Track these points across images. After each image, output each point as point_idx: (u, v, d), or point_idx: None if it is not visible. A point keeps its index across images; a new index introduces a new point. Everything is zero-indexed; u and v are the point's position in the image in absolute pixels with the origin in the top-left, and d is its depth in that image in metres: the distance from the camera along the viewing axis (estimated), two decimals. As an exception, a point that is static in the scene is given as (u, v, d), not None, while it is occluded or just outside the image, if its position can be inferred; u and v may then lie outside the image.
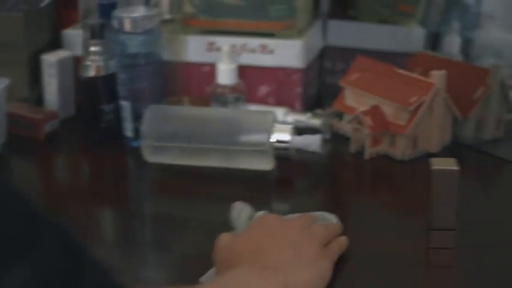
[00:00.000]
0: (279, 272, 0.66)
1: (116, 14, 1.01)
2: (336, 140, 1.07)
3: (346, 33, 1.23)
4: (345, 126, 1.05)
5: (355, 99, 1.06)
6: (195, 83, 1.13)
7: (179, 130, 0.96)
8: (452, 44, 1.26)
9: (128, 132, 1.03)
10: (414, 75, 1.02)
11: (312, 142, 0.94)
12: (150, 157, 0.97)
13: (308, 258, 0.69)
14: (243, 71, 1.10)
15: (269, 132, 0.93)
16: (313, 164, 0.99)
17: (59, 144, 1.08)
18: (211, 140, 0.94)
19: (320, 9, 1.25)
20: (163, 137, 0.96)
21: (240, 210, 0.79)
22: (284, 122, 1.05)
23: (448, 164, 0.78)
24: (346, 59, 1.14)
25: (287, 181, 0.97)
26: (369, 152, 1.00)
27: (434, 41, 1.31)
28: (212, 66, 1.07)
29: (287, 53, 1.10)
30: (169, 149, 0.96)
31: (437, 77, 0.98)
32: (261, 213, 0.79)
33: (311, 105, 1.17)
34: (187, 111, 1.04)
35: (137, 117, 1.00)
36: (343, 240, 0.76)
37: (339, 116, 1.09)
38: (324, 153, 0.97)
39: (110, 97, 1.05)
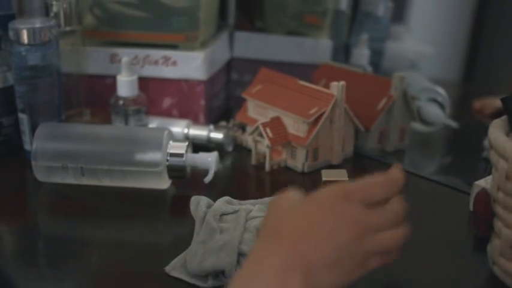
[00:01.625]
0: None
1: (12, 25, 0.98)
2: (240, 153, 1.06)
3: (254, 44, 1.23)
4: (248, 139, 1.05)
5: (257, 111, 1.05)
6: (98, 96, 1.10)
7: (72, 150, 0.92)
8: (361, 55, 1.27)
9: (27, 145, 1.01)
10: (315, 86, 1.01)
11: (208, 160, 0.92)
12: (42, 177, 0.94)
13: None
14: (146, 82, 1.09)
15: (164, 151, 0.90)
16: (215, 176, 0.97)
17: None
18: (105, 161, 0.91)
19: (227, 20, 1.25)
20: (55, 158, 0.92)
21: (197, 202, 0.81)
22: (185, 135, 1.04)
23: (339, 176, 0.77)
24: (253, 71, 1.13)
25: (186, 197, 0.95)
26: (270, 164, 0.99)
27: (346, 52, 1.32)
28: (115, 78, 1.05)
29: (189, 65, 1.08)
30: (61, 170, 0.93)
31: (336, 88, 0.97)
32: (222, 199, 0.82)
33: (218, 117, 1.17)
34: (81, 129, 0.98)
35: (35, 130, 0.97)
36: None
37: (243, 128, 1.09)
38: (220, 169, 0.96)
39: (8, 110, 1.02)
